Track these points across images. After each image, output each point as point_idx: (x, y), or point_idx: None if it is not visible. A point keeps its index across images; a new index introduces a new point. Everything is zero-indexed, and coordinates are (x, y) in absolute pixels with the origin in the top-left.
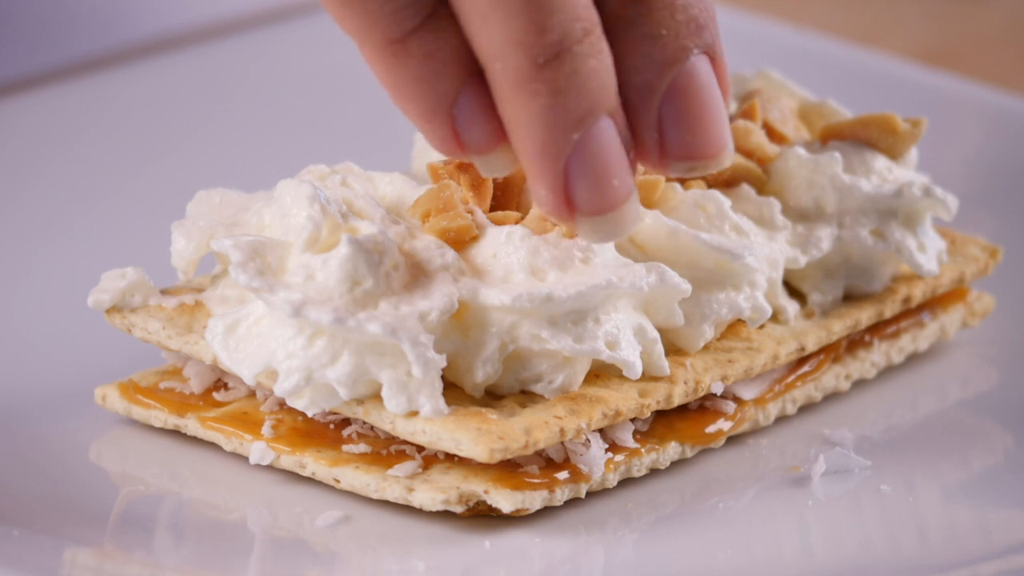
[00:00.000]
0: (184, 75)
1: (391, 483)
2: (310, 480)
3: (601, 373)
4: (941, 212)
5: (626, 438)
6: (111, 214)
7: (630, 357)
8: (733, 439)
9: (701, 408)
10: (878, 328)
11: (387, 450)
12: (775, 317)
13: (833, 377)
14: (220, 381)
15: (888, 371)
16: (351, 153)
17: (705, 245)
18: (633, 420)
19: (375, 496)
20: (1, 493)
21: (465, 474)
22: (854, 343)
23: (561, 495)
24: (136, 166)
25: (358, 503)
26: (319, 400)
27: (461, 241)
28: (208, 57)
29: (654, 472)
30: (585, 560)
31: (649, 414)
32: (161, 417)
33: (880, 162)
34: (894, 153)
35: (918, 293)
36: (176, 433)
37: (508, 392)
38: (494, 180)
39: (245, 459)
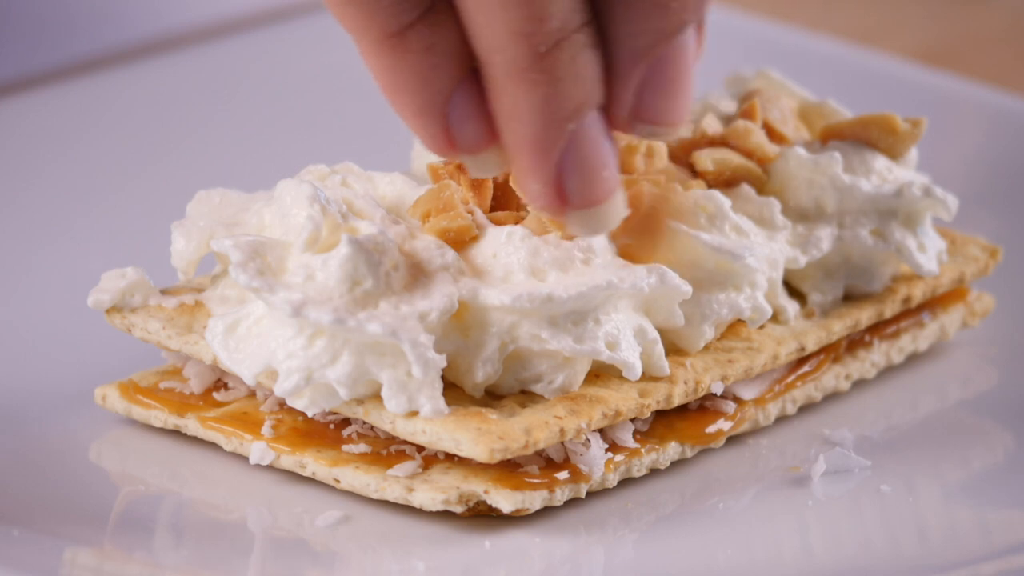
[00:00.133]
0: (184, 75)
1: (391, 483)
2: (310, 480)
3: (601, 373)
4: (941, 212)
5: (626, 438)
6: (111, 214)
7: (630, 358)
8: (733, 439)
9: (701, 408)
10: (878, 328)
11: (387, 450)
12: (775, 317)
13: (833, 377)
14: (220, 381)
15: (888, 371)
16: (351, 153)
17: (705, 246)
18: (633, 420)
19: (375, 496)
20: (1, 493)
21: (465, 474)
22: (854, 343)
23: (561, 495)
24: (136, 166)
25: (358, 503)
26: (319, 400)
27: (461, 241)
28: (208, 57)
29: (654, 472)
30: (585, 560)
31: (649, 414)
32: (161, 417)
33: (880, 162)
34: (894, 153)
35: (918, 293)
36: (176, 433)
37: (508, 392)
38: (495, 180)
39: (245, 459)
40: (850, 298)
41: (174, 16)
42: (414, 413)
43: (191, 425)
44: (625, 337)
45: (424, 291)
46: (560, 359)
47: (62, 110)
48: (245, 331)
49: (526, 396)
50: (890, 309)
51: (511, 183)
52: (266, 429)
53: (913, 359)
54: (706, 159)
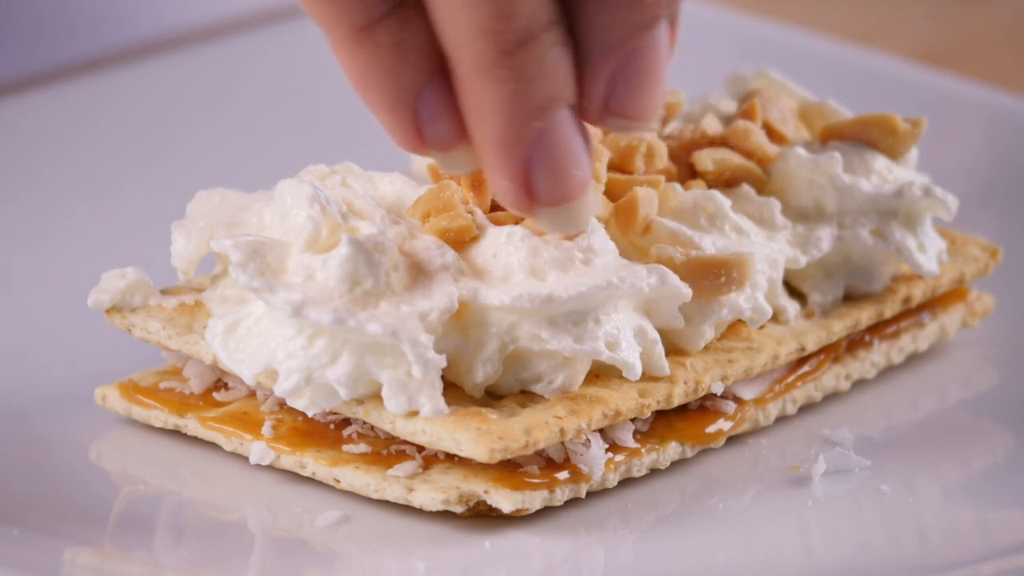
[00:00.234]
0: (184, 75)
1: (391, 483)
2: (310, 480)
3: (601, 373)
4: (941, 212)
5: (626, 438)
6: (111, 214)
7: (630, 358)
8: (733, 439)
9: (701, 408)
10: (878, 328)
11: (387, 450)
12: (775, 317)
13: (833, 377)
14: (220, 381)
15: (888, 371)
16: (351, 153)
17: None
18: (633, 420)
19: (375, 496)
20: (1, 493)
21: (465, 474)
22: (854, 343)
23: (561, 495)
24: (136, 166)
25: (358, 503)
26: (319, 400)
27: (461, 241)
28: (208, 57)
29: (654, 472)
30: (585, 560)
31: (649, 414)
32: (161, 417)
33: (880, 162)
34: (894, 153)
35: (918, 293)
36: (176, 433)
37: (508, 392)
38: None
39: (245, 459)
40: (850, 298)
41: (174, 16)
42: (414, 413)
43: (191, 425)
44: (625, 337)
45: (424, 291)
46: (560, 359)
47: (62, 110)
48: (245, 331)
49: (526, 396)
50: (890, 309)
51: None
52: (266, 429)
53: (913, 359)
54: (706, 159)
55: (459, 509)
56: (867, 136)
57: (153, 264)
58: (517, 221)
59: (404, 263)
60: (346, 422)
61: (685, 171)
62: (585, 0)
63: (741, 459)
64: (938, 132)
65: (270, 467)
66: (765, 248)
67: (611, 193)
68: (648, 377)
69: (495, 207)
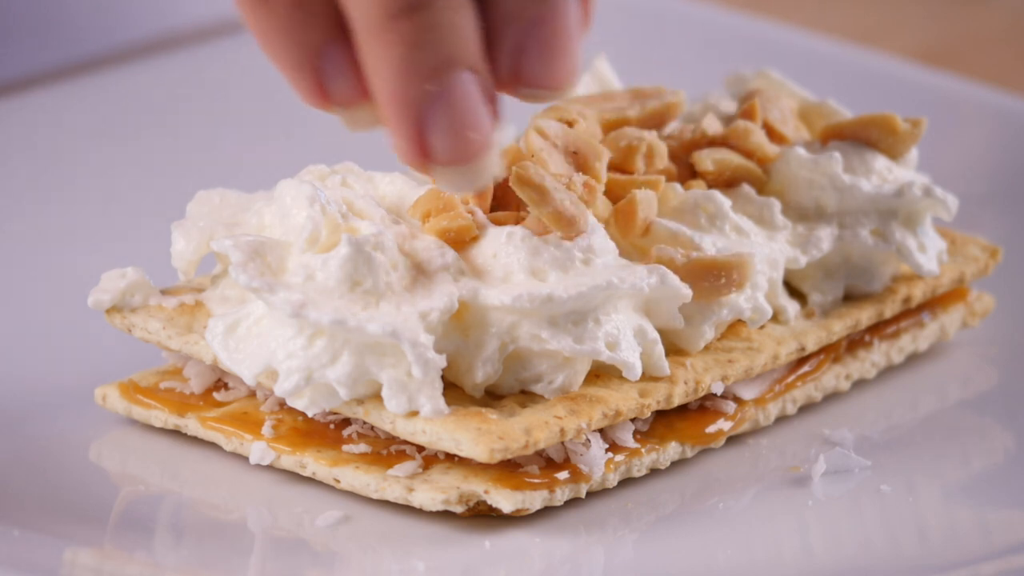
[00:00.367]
0: (184, 75)
1: (391, 483)
2: (310, 480)
3: (601, 373)
4: (941, 212)
5: (626, 438)
6: (111, 214)
7: (630, 358)
8: (733, 439)
9: (701, 408)
10: (878, 328)
11: (387, 450)
12: (775, 317)
13: (833, 377)
14: (220, 381)
15: (888, 371)
16: (351, 153)
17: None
18: (633, 420)
19: (375, 496)
20: (1, 493)
21: (465, 474)
22: (854, 343)
23: (561, 495)
24: (136, 166)
25: (358, 503)
26: (319, 400)
27: (461, 241)
28: (208, 57)
29: (654, 472)
30: (585, 560)
31: (649, 414)
32: (161, 417)
33: (880, 162)
34: (894, 153)
35: (918, 293)
36: (176, 433)
37: (508, 392)
38: (495, 180)
39: (245, 459)
40: (850, 298)
41: (174, 16)
42: (414, 413)
43: (191, 425)
44: (625, 337)
45: (424, 291)
46: (560, 359)
47: (62, 110)
48: (245, 331)
49: (526, 396)
50: (890, 309)
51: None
52: (266, 429)
53: (913, 359)
54: (706, 159)
55: (459, 509)
56: (867, 136)
57: (153, 264)
58: (517, 221)
59: (404, 263)
60: (346, 422)
61: (685, 171)
62: None
63: (741, 459)
64: (938, 132)
65: (270, 467)
66: (765, 248)
67: (611, 193)
68: (648, 377)
69: (495, 207)
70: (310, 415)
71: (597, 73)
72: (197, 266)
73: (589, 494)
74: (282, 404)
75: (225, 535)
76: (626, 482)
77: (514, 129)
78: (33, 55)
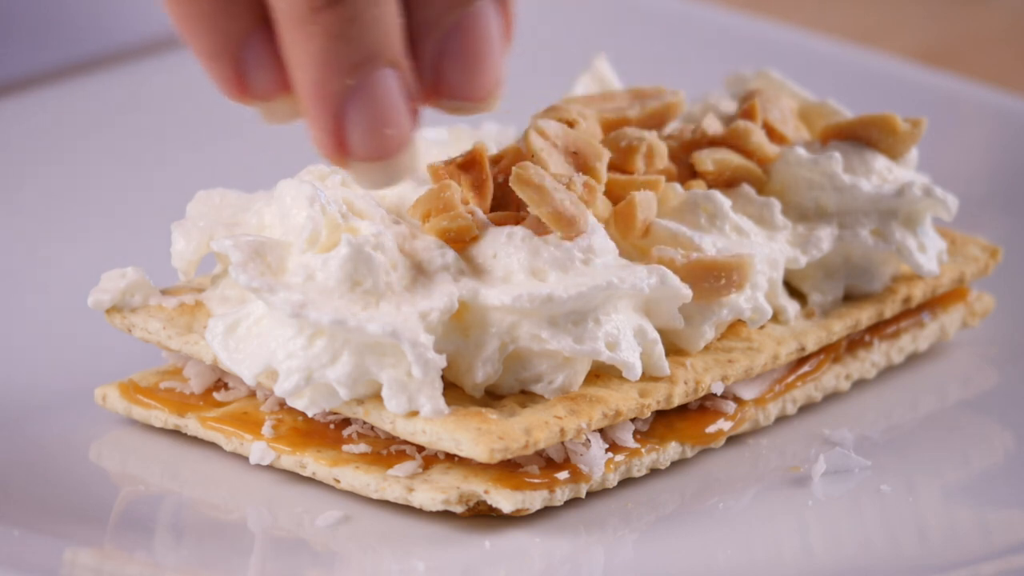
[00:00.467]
0: (184, 75)
1: (391, 483)
2: (310, 480)
3: (601, 373)
4: (941, 212)
5: (626, 438)
6: (111, 214)
7: (630, 358)
8: (733, 439)
9: (701, 408)
10: (878, 328)
11: (387, 450)
12: (775, 317)
13: (833, 377)
14: (220, 381)
15: (888, 371)
16: None
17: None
18: (633, 420)
19: (375, 496)
20: (1, 493)
21: (465, 474)
22: (854, 343)
23: (561, 495)
24: (136, 166)
25: (358, 503)
26: (319, 400)
27: (461, 241)
28: None
29: (654, 472)
30: (585, 560)
31: (649, 414)
32: (161, 417)
33: (880, 162)
34: (894, 153)
35: (918, 293)
36: (176, 433)
37: (508, 392)
38: (495, 180)
39: (245, 459)
40: (850, 298)
41: None
42: (414, 413)
43: (191, 425)
44: (625, 337)
45: (424, 291)
46: (560, 359)
47: (62, 110)
48: (245, 331)
49: (526, 396)
50: (890, 309)
51: None
52: (266, 429)
53: (913, 359)
54: (706, 159)
55: (459, 509)
56: (867, 136)
57: (153, 264)
58: (517, 221)
59: (404, 263)
60: (346, 422)
61: (685, 171)
62: None
63: (741, 459)
64: (938, 132)
65: (270, 467)
66: (765, 248)
67: (611, 193)
68: (648, 377)
69: (495, 207)
70: (310, 415)
71: (597, 73)
72: (197, 266)
73: (589, 494)
74: (282, 404)
75: (225, 535)
76: (626, 482)
77: (513, 129)
78: (33, 55)
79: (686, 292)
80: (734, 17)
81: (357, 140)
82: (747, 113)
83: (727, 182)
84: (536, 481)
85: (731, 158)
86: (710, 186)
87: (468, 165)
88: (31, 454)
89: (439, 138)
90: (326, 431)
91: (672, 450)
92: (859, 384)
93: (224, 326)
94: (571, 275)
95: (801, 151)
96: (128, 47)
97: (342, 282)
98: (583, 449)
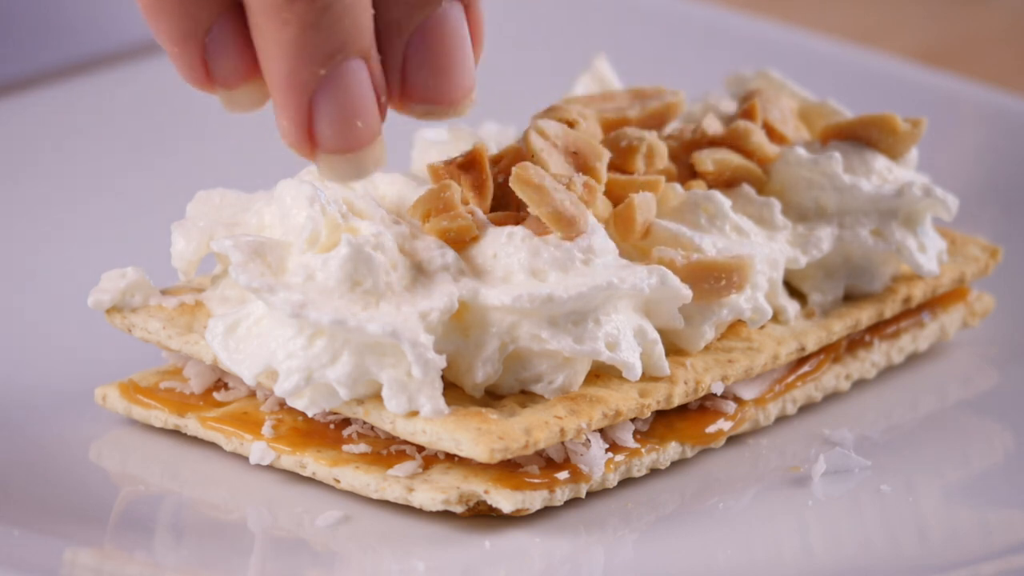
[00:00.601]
0: None
1: (391, 483)
2: (310, 480)
3: (601, 373)
4: (941, 212)
5: (626, 438)
6: (111, 214)
7: (630, 358)
8: (733, 439)
9: (701, 408)
10: (878, 328)
11: (387, 450)
12: (775, 317)
13: (833, 377)
14: (220, 381)
15: (888, 371)
16: None
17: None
18: (633, 420)
19: (375, 496)
20: (1, 493)
21: (465, 474)
22: (854, 343)
23: (561, 495)
24: (136, 166)
25: (358, 503)
26: (319, 400)
27: (461, 241)
28: None
29: (654, 472)
30: (585, 560)
31: (649, 414)
32: (161, 417)
33: (880, 162)
34: (894, 153)
35: (918, 293)
36: (176, 433)
37: (508, 392)
38: (495, 180)
39: (245, 459)
40: (850, 298)
41: None
42: (414, 413)
43: (191, 425)
44: (625, 337)
45: (424, 291)
46: (560, 359)
47: (62, 110)
48: (245, 331)
49: (526, 396)
50: (890, 309)
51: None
52: (266, 429)
53: (913, 359)
54: (706, 159)
55: (459, 509)
56: (867, 136)
57: (153, 264)
58: (517, 221)
59: (404, 263)
60: (346, 422)
61: (685, 171)
62: None
63: (741, 459)
64: (938, 132)
65: (270, 467)
66: (765, 248)
67: (611, 193)
68: (648, 377)
69: (495, 207)
70: (310, 415)
71: (597, 73)
72: (197, 266)
73: (589, 494)
74: (282, 404)
75: (225, 535)
76: (626, 482)
77: (513, 129)
78: (33, 55)
79: (686, 292)
80: (734, 17)
81: (326, 131)
82: (747, 113)
83: (727, 182)
84: (536, 481)
85: (731, 158)
86: (710, 186)
87: (468, 165)
88: (31, 454)
89: (439, 138)
90: (326, 431)
91: (672, 450)
92: (859, 384)
93: (224, 326)
94: (571, 275)
95: (801, 151)
96: (128, 47)
97: (342, 282)
98: (583, 449)
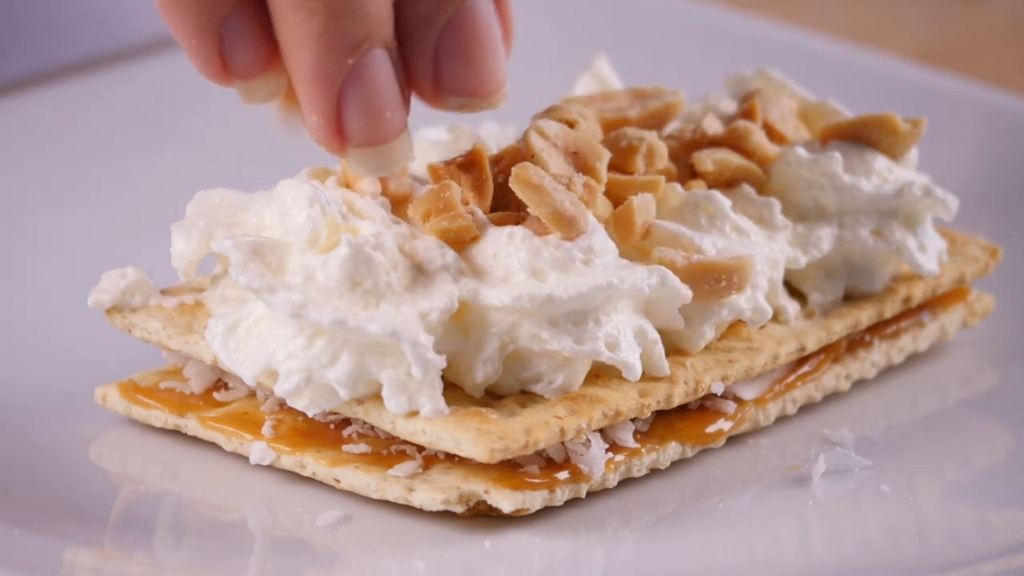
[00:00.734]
0: (184, 75)
1: (391, 483)
2: (310, 480)
3: (601, 373)
4: (941, 212)
5: (626, 438)
6: (111, 214)
7: (630, 358)
8: (733, 439)
9: (701, 408)
10: (878, 328)
11: (387, 450)
12: (775, 317)
13: (833, 377)
14: (220, 381)
15: (888, 371)
16: None
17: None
18: (633, 420)
19: (375, 496)
20: (1, 493)
21: (465, 474)
22: (854, 343)
23: (561, 495)
24: (136, 166)
25: (358, 503)
26: (319, 400)
27: (461, 241)
28: None
29: (654, 472)
30: (585, 560)
31: (649, 414)
32: (161, 417)
33: (880, 162)
34: (894, 153)
35: (918, 293)
36: (176, 433)
37: (508, 392)
38: (495, 180)
39: (245, 459)
40: (850, 298)
41: None
42: (414, 413)
43: (191, 425)
44: (625, 338)
45: (424, 291)
46: (560, 359)
47: (62, 110)
48: (245, 331)
49: (526, 396)
50: (890, 309)
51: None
52: (266, 429)
53: (913, 359)
54: (706, 159)
55: (459, 509)
56: (867, 136)
57: (153, 264)
58: (517, 221)
59: (404, 263)
60: (346, 422)
61: (685, 171)
62: None
63: (741, 459)
64: (938, 132)
65: (270, 467)
66: (765, 248)
67: (611, 193)
68: (648, 377)
69: (495, 207)
70: (310, 415)
71: (597, 73)
72: (197, 266)
73: (589, 494)
74: (282, 404)
75: (225, 535)
76: (626, 482)
77: (513, 129)
78: (33, 55)
79: (686, 293)
80: (734, 17)
81: (356, 125)
82: (747, 113)
83: (727, 182)
84: (536, 481)
85: (731, 158)
86: (710, 186)
87: (468, 165)
88: (31, 454)
89: (439, 138)
90: (326, 431)
91: (672, 450)
92: (859, 384)
93: (224, 326)
94: (571, 275)
95: (801, 151)
96: (128, 47)
97: (342, 282)
98: (583, 449)
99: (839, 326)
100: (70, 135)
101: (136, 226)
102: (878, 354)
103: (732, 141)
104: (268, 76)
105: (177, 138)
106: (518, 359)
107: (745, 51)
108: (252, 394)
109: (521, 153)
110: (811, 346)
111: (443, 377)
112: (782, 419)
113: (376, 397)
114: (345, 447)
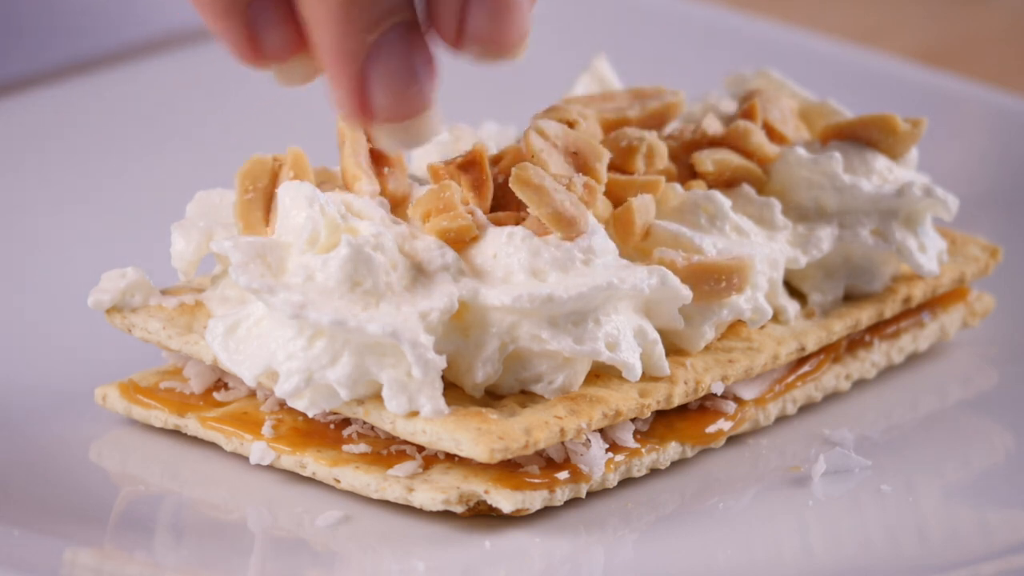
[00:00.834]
0: (184, 74)
1: (391, 483)
2: (310, 480)
3: (601, 373)
4: (941, 212)
5: (626, 438)
6: (111, 214)
7: (630, 359)
8: (733, 439)
9: (701, 408)
10: (878, 328)
11: (387, 450)
12: (775, 317)
13: (833, 377)
14: (220, 381)
15: (888, 371)
16: None
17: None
18: (633, 420)
19: (375, 496)
20: (1, 493)
21: (465, 474)
22: (854, 343)
23: (561, 495)
24: (136, 166)
25: (358, 503)
26: (319, 401)
27: (461, 241)
28: (208, 56)
29: (654, 472)
30: (585, 560)
31: (649, 414)
32: (161, 417)
33: (880, 162)
34: (894, 153)
35: (918, 293)
36: (176, 433)
37: (508, 392)
38: (495, 180)
39: (245, 459)
40: (850, 298)
41: (174, 16)
42: (414, 413)
43: (191, 425)
44: (625, 338)
45: (424, 291)
46: (560, 359)
47: (62, 110)
48: (245, 332)
49: (526, 396)
50: (890, 309)
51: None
52: (266, 429)
53: (913, 359)
54: (706, 159)
55: (459, 509)
56: (867, 136)
57: (153, 264)
58: (517, 221)
59: (404, 263)
60: (346, 422)
61: (685, 171)
62: None
63: (741, 459)
64: (938, 132)
65: (270, 467)
66: (765, 248)
67: (611, 193)
68: (648, 377)
69: (495, 207)
70: (310, 415)
71: (597, 73)
72: (197, 266)
73: (589, 494)
74: (282, 404)
75: (225, 535)
76: (626, 482)
77: (513, 129)
78: (33, 55)
79: (686, 293)
80: (734, 17)
81: (381, 100)
82: (747, 113)
83: (727, 182)
84: (536, 481)
85: (731, 158)
86: (710, 186)
87: (468, 165)
88: (31, 454)
89: (439, 138)
90: (326, 431)
91: (672, 450)
92: (859, 384)
93: (224, 327)
94: (571, 275)
95: (801, 151)
96: (128, 47)
97: (342, 283)
98: (583, 449)
99: (839, 326)
100: (70, 135)
101: (136, 226)
102: (878, 354)
103: (732, 141)
104: (302, 57)
105: (177, 138)
106: (518, 359)
107: (745, 51)
108: (252, 394)
109: (521, 153)
110: (811, 346)
111: (443, 377)
112: (782, 419)
113: (376, 397)
114: (345, 447)
